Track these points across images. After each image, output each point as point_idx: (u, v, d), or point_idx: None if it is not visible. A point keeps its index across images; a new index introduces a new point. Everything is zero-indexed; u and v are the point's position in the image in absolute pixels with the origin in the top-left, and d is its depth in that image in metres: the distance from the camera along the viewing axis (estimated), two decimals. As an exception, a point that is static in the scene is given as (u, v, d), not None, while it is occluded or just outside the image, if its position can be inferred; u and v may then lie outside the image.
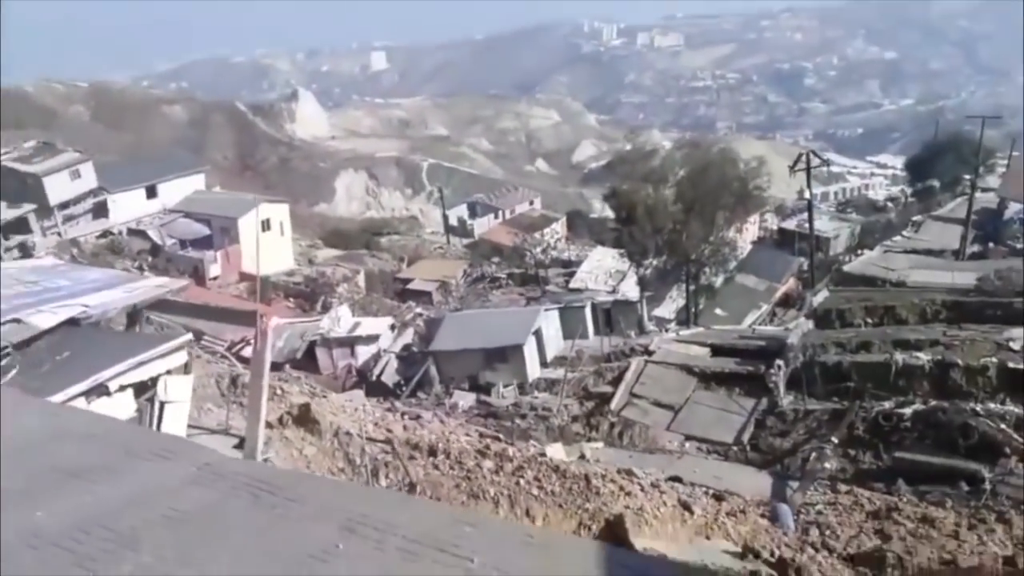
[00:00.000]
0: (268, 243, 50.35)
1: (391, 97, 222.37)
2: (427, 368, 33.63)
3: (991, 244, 48.14)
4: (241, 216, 50.73)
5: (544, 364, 34.07)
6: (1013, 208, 53.07)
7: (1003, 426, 26.18)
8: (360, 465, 17.17)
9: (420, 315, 42.23)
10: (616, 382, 31.63)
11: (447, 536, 3.03)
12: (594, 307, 38.10)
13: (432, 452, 18.76)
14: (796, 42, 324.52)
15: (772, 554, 16.75)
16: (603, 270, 45.79)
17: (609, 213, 78.93)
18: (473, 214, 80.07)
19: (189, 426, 13.54)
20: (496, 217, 77.52)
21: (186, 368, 12.02)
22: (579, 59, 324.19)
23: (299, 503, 3.40)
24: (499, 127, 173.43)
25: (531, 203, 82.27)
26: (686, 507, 18.46)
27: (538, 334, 33.76)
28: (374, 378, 34.46)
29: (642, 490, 19.14)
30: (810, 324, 35.07)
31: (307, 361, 35.82)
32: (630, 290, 41.09)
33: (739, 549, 16.63)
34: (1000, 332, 31.83)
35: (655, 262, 38.24)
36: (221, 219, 51.64)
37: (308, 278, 49.68)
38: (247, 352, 31.93)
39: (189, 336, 12.46)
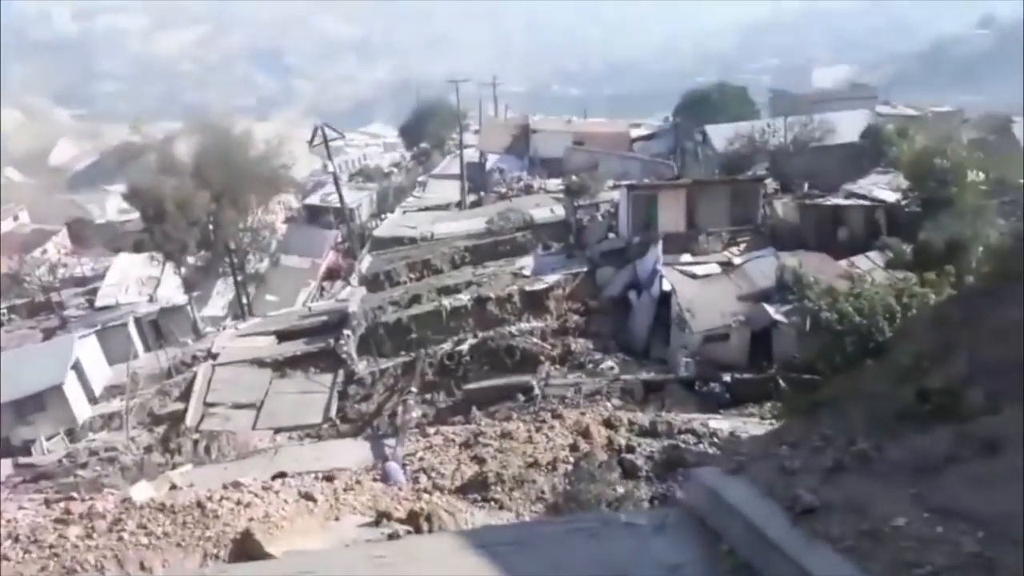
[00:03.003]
0: None
1: None
2: (-69, 446, 26.57)
3: (482, 192, 55.49)
4: None
5: (93, 400, 29.69)
6: (492, 159, 62.21)
7: (534, 339, 31.48)
8: None
9: None
10: (185, 396, 29.27)
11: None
12: (138, 321, 34.18)
13: (-9, 542, 15.11)
14: (267, 19, 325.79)
15: (395, 511, 17.68)
16: (133, 279, 41.06)
17: (117, 216, 70.75)
18: (-65, 245, 63.97)
19: None
20: (-29, 243, 63.23)
21: None
22: (30, 47, 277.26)
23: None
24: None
25: (16, 218, 69.15)
26: (308, 497, 18.22)
27: (78, 367, 29.10)
28: None
29: (257, 497, 18.25)
30: (363, 290, 36.90)
31: None
32: (173, 295, 37.81)
33: (372, 519, 17.14)
34: (512, 263, 37.91)
35: (197, 260, 35.79)
36: None
37: None
38: None
39: None
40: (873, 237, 32.24)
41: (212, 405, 28.69)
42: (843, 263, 29.89)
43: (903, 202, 33.23)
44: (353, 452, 24.74)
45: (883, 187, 36.34)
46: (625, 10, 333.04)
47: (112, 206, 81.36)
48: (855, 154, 42.93)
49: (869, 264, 29.83)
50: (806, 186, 39.24)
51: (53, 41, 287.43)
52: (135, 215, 42.48)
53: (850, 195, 36.08)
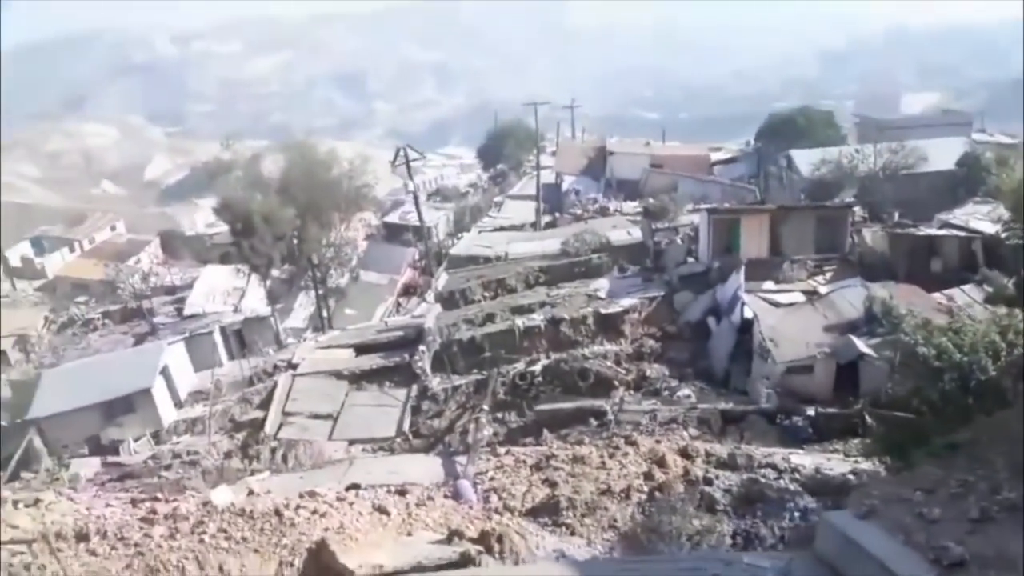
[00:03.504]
0: None
1: None
2: (28, 441, 27.91)
3: (557, 214, 55.47)
4: None
5: (179, 404, 30.70)
6: (567, 181, 62.15)
7: (608, 363, 30.99)
8: (-8, 579, 13.66)
9: (-6, 381, 34.78)
10: (266, 404, 29.94)
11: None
12: (223, 331, 35.31)
13: (82, 537, 15.69)
14: (352, 46, 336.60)
15: (467, 530, 17.50)
16: (220, 290, 42.58)
17: (205, 229, 73.71)
18: (41, 250, 68.04)
19: None
20: (72, 250, 67.02)
21: None
22: (131, 69, 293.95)
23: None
24: (48, 150, 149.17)
25: (113, 228, 72.85)
26: (382, 510, 18.26)
27: (166, 372, 30.19)
28: (-48, 470, 27.43)
29: (332, 507, 18.40)
30: (439, 307, 37.21)
31: None
32: (257, 306, 38.99)
33: (442, 536, 17.03)
34: (587, 285, 37.58)
35: (281, 273, 36.90)
36: None
37: None
38: None
39: None
40: (970, 270, 30.67)
41: (290, 414, 29.27)
42: (937, 296, 28.50)
43: (1003, 234, 31.51)
44: (425, 467, 24.72)
45: (981, 217, 34.63)
46: (702, 36, 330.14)
47: (201, 219, 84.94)
48: (950, 183, 41.15)
49: (965, 298, 28.31)
50: (896, 215, 37.78)
51: (151, 63, 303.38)
52: (223, 228, 44.10)
53: (945, 225, 34.52)
